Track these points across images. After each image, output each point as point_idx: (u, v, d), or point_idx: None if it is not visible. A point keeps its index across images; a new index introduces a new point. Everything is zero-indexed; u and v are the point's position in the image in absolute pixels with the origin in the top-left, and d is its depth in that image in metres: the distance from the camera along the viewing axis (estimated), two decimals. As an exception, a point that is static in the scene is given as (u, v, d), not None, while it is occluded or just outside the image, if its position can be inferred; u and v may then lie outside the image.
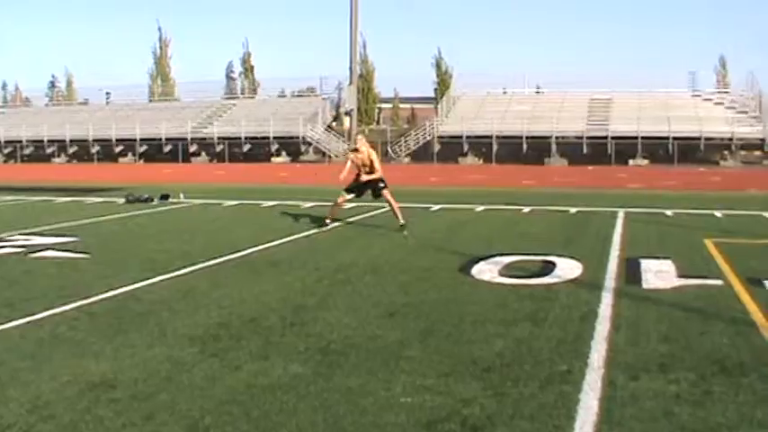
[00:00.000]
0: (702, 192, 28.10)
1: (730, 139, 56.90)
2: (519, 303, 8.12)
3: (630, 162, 55.39)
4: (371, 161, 14.78)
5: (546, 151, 57.44)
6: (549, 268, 10.32)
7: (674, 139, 55.40)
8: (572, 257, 11.21)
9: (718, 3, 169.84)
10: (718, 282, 9.50)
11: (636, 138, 56.02)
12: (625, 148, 55.99)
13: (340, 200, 15.10)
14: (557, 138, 57.75)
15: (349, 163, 14.90)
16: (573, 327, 7.15)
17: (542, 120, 59.04)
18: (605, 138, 56.65)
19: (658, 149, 56.61)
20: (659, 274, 10.00)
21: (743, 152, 58.95)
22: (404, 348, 6.38)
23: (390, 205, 14.85)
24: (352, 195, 15.14)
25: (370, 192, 15.08)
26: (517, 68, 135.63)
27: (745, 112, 60.19)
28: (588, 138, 57.46)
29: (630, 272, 10.22)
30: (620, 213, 17.81)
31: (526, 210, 18.57)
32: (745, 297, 8.59)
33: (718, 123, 57.50)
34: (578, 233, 14.27)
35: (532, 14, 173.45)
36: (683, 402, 5.16)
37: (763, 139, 56.52)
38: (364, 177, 14.78)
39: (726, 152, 58.47)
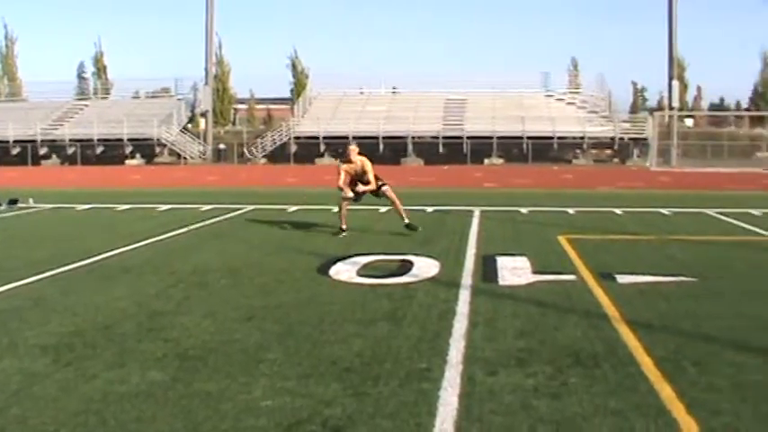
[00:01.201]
0: (556, 189, 28.83)
1: (582, 138, 58.63)
2: (377, 303, 8.16)
3: (486, 161, 56.48)
4: (365, 171, 14.30)
5: (402, 151, 58.01)
6: (406, 267, 10.41)
7: (528, 138, 56.78)
8: (429, 256, 11.33)
9: (571, 5, 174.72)
10: (572, 277, 9.76)
11: (491, 137, 57.14)
12: (480, 148, 57.01)
13: (344, 204, 14.41)
14: (413, 137, 58.38)
15: (343, 174, 14.31)
16: (431, 325, 7.22)
17: (398, 120, 59.60)
18: (461, 137, 57.59)
19: (513, 149, 57.91)
20: (515, 270, 10.20)
21: (594, 151, 60.91)
22: (263, 351, 6.34)
23: (393, 204, 14.46)
24: (354, 199, 14.53)
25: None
26: (373, 69, 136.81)
27: (596, 112, 62.16)
28: (444, 137, 58.28)
29: (487, 269, 10.39)
30: (476, 212, 18.10)
31: (383, 210, 18.65)
32: (597, 291, 8.86)
33: (571, 123, 59.17)
34: (435, 232, 14.41)
35: (388, 14, 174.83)
36: (541, 395, 5.28)
37: (613, 138, 58.43)
38: (360, 188, 14.31)
39: (578, 151, 60.30)
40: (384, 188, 14.37)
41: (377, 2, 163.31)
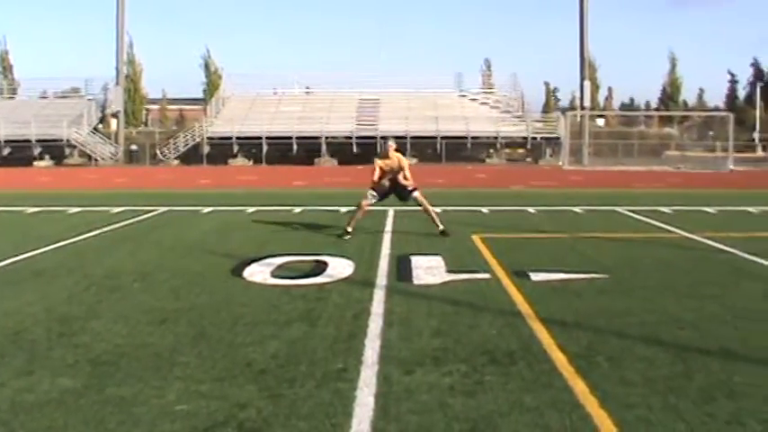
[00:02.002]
0: (469, 189, 29.05)
1: (495, 138, 59.27)
2: (292, 304, 8.12)
3: (399, 161, 56.55)
4: (401, 168, 14.12)
5: (316, 151, 57.94)
6: (321, 268, 10.37)
7: (442, 138, 57.18)
8: (343, 256, 11.32)
9: (484, 6, 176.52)
10: (486, 275, 9.83)
11: (404, 137, 57.26)
12: (394, 148, 57.11)
13: (365, 204, 14.25)
14: (326, 138, 58.31)
15: (378, 170, 14.15)
16: (346, 325, 7.21)
17: (312, 120, 59.51)
18: (374, 137, 57.61)
19: (427, 148, 58.23)
20: (429, 270, 10.24)
21: (507, 150, 61.64)
22: (177, 354, 6.25)
23: (425, 210, 14.27)
24: (376, 200, 14.35)
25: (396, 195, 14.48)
26: (287, 69, 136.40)
27: (509, 112, 62.97)
28: (358, 137, 58.33)
29: (401, 269, 10.42)
30: (390, 212, 18.13)
31: (297, 210, 18.60)
32: (511, 289, 8.94)
33: (484, 123, 59.78)
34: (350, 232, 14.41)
35: (301, 15, 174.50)
36: (457, 393, 5.30)
37: (525, 138, 59.17)
38: (404, 182, 14.14)
39: (491, 150, 60.91)
40: (415, 194, 14.27)
41: (290, 2, 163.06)
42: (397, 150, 14.32)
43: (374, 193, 14.17)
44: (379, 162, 14.26)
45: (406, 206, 19.01)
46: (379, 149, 56.30)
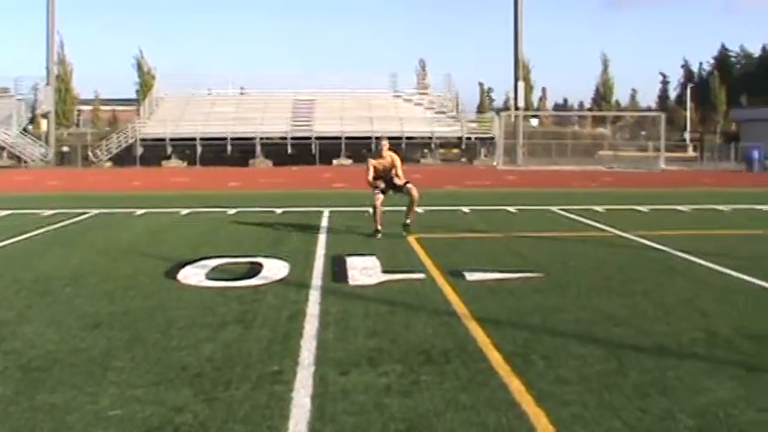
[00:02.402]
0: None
1: (430, 138, 59.46)
2: (227, 306, 8.05)
3: (334, 161, 56.60)
4: (394, 167, 14.04)
5: (251, 152, 57.60)
6: (255, 270, 10.31)
7: (377, 138, 57.02)
8: (278, 258, 11.26)
9: (419, 6, 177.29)
10: (421, 275, 9.86)
11: (339, 138, 57.27)
12: (329, 148, 57.15)
13: (377, 203, 13.97)
14: (261, 139, 58.01)
15: (371, 170, 14.04)
16: (282, 327, 7.17)
17: (247, 121, 59.17)
18: (309, 138, 57.56)
19: (361, 149, 58.12)
20: (364, 270, 10.24)
21: (442, 150, 61.90)
22: (110, 359, 6.15)
23: (410, 202, 14.11)
24: (383, 194, 14.08)
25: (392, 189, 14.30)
26: (221, 69, 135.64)
27: (444, 113, 63.26)
28: (293, 138, 58.16)
29: (336, 269, 10.40)
30: (326, 212, 18.11)
31: (232, 212, 18.48)
32: (446, 289, 8.98)
33: (419, 123, 59.98)
34: (284, 233, 14.37)
35: (235, 15, 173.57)
36: (393, 393, 5.30)
37: (460, 138, 59.50)
38: (397, 182, 14.06)
39: (426, 150, 61.11)
40: (409, 185, 14.13)
41: (223, 3, 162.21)
42: (390, 149, 14.31)
43: (378, 192, 14.05)
44: (372, 161, 14.24)
45: (341, 206, 19.02)
46: (313, 150, 56.37)
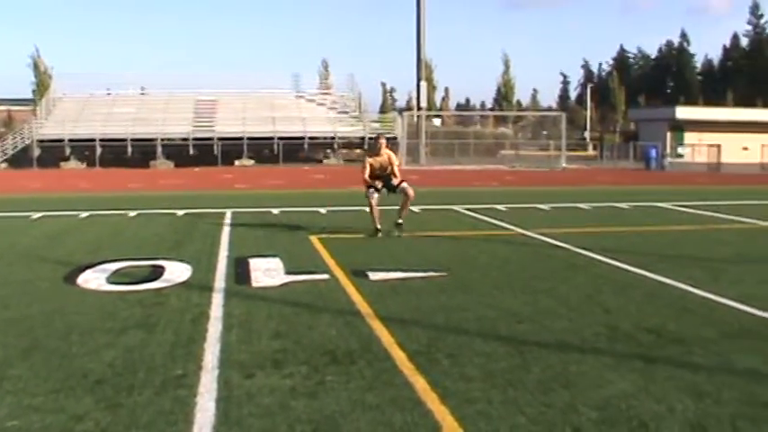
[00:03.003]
0: (307, 190, 29.04)
1: (333, 138, 59.48)
2: (128, 311, 7.91)
3: (237, 162, 56.24)
4: (390, 164, 13.89)
5: (152, 153, 56.85)
6: (157, 272, 10.15)
7: (280, 138, 56.94)
8: (181, 260, 11.12)
9: (322, 6, 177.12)
10: (325, 276, 9.84)
11: (242, 138, 56.92)
12: (231, 149, 56.77)
13: (373, 202, 13.83)
14: (162, 139, 57.31)
15: (368, 168, 13.88)
16: (185, 330, 7.08)
17: (147, 121, 58.40)
18: (211, 138, 57.06)
19: (264, 149, 57.95)
20: (268, 271, 10.18)
21: (344, 150, 61.97)
22: (7, 368, 5.97)
23: (405, 202, 14.01)
24: (378, 194, 13.96)
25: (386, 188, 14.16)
26: (121, 69, 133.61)
27: (347, 113, 63.36)
28: (194, 139, 57.60)
29: (239, 271, 10.32)
30: (228, 214, 17.95)
31: (132, 214, 18.19)
32: (350, 289, 8.98)
33: (321, 123, 59.98)
34: (186, 236, 14.19)
35: (135, 15, 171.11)
36: (299, 395, 5.27)
37: (363, 138, 59.60)
38: (393, 181, 13.96)
39: (329, 151, 61.11)
40: (404, 185, 14.05)
41: (122, 2, 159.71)
42: (387, 147, 14.26)
43: (374, 192, 13.99)
44: (369, 159, 14.17)
45: (244, 208, 18.89)
46: (215, 151, 55.88)
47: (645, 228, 16.01)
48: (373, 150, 14.41)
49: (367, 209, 14.19)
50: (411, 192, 14.09)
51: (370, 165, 14.07)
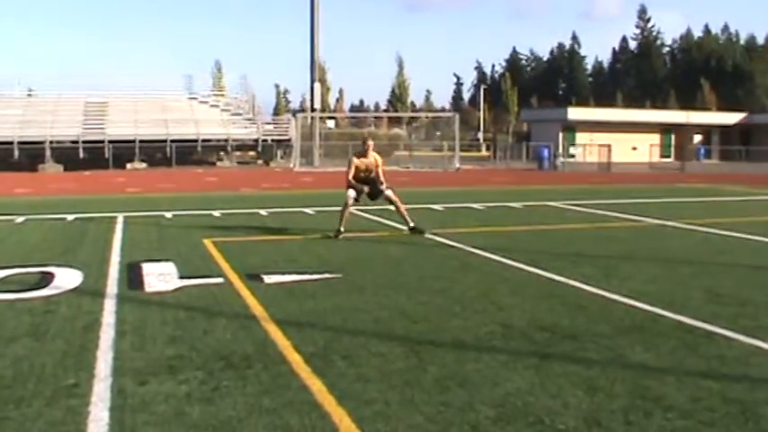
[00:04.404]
0: (201, 193, 28.74)
1: (226, 141, 58.95)
2: (17, 319, 7.71)
3: (129, 165, 55.28)
4: (377, 165, 13.84)
5: (40, 157, 55.48)
6: (47, 279, 9.93)
7: (172, 141, 56.22)
8: (71, 266, 10.89)
9: (214, 6, 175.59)
10: (219, 280, 9.78)
11: (133, 141, 56.04)
12: (123, 152, 55.78)
13: (349, 203, 13.84)
14: (51, 142, 56.02)
15: (353, 169, 13.78)
16: (77, 338, 6.94)
17: (35, 124, 56.97)
18: (102, 141, 56.02)
19: (156, 152, 57.14)
20: (161, 276, 10.06)
21: (238, 153, 61.53)
22: None
23: (396, 208, 13.91)
24: (356, 199, 13.95)
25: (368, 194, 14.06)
26: (7, 69, 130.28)
27: (240, 114, 62.89)
28: (84, 142, 56.41)
29: (132, 277, 10.17)
30: (120, 218, 17.66)
31: (20, 219, 17.75)
32: (245, 292, 8.94)
33: (215, 125, 59.39)
34: (77, 241, 13.90)
35: (22, 12, 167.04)
36: (194, 401, 5.23)
37: (257, 140, 59.26)
38: (380, 187, 13.87)
39: (222, 153, 60.58)
40: (387, 192, 14.04)
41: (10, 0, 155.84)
42: (373, 150, 14.29)
43: (354, 193, 14.00)
44: (355, 161, 14.16)
45: (136, 211, 18.62)
46: (107, 154, 54.90)
47: (537, 227, 16.29)
48: (361, 152, 14.45)
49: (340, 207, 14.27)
50: (394, 196, 14.31)
51: (356, 166, 14.23)
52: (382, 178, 14.41)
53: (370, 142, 14.62)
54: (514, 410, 5.04)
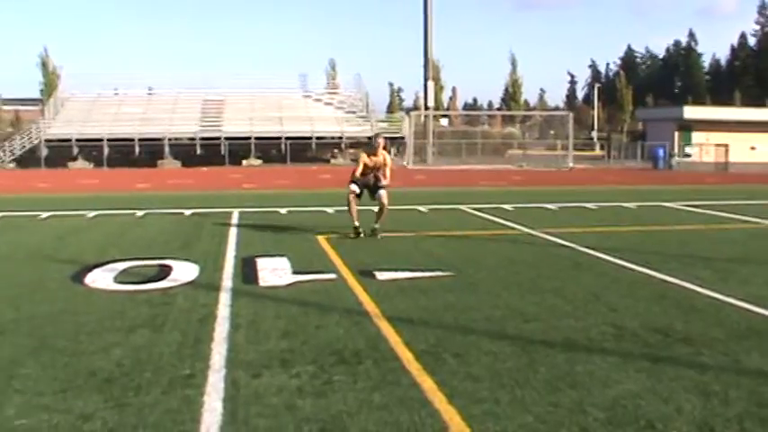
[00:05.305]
0: (314, 190, 29.03)
1: (340, 138, 59.46)
2: (136, 310, 7.92)
3: (244, 162, 56.25)
4: (385, 165, 13.83)
5: (159, 153, 56.91)
6: (165, 272, 10.16)
7: (287, 138, 56.93)
8: (188, 260, 11.13)
9: (329, 6, 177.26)
10: (332, 276, 9.84)
11: (249, 138, 56.92)
12: (239, 149, 56.77)
13: (351, 197, 13.79)
14: (170, 139, 57.35)
15: (361, 166, 13.80)
16: (192, 329, 7.09)
17: (155, 121, 58.45)
18: (219, 138, 57.06)
19: (271, 149, 57.94)
20: (275, 271, 10.19)
21: (351, 150, 61.94)
22: (16, 367, 5.99)
23: (380, 208, 13.85)
24: (358, 195, 13.88)
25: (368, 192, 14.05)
26: (129, 69, 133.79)
27: (354, 112, 63.37)
28: (202, 139, 57.62)
29: (247, 271, 10.32)
30: (236, 213, 17.97)
31: (140, 214, 18.21)
32: (357, 289, 8.98)
33: (329, 123, 59.97)
34: (194, 235, 14.20)
35: (143, 14, 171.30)
36: (306, 395, 5.28)
37: (370, 138, 59.47)
38: (382, 182, 13.84)
39: (336, 150, 61.09)
40: (381, 192, 13.93)
41: (130, 2, 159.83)
42: (384, 148, 14.16)
43: (356, 187, 13.89)
44: (364, 158, 14.03)
45: (252, 207, 18.90)
46: (223, 151, 55.90)
47: (651, 227, 15.99)
48: (371, 149, 14.29)
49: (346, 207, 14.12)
50: (385, 200, 13.96)
51: (364, 163, 13.99)
52: (388, 178, 14.10)
53: (380, 141, 14.30)
54: (625, 414, 4.95)
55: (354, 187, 13.89)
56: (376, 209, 13.90)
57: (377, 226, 13.93)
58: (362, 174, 13.95)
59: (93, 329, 7.16)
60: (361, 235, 13.62)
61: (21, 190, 30.52)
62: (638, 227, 16.05)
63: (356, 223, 13.73)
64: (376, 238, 13.58)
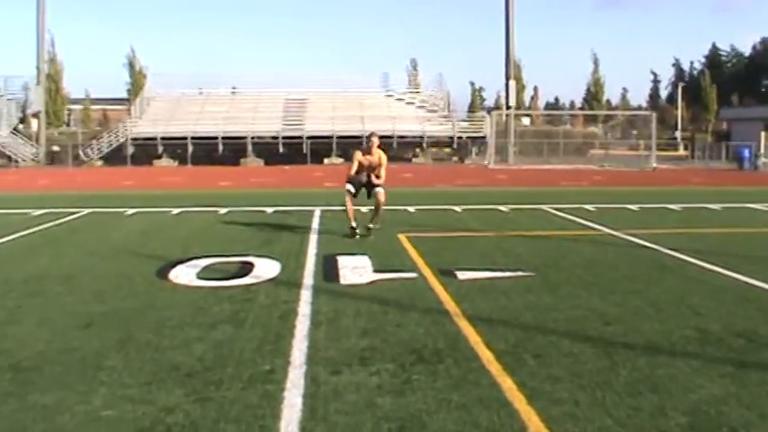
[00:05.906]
0: (396, 188, 29.05)
1: (421, 137, 59.45)
2: (218, 306, 8.03)
3: (326, 161, 56.54)
4: (380, 165, 13.89)
5: (242, 152, 57.51)
6: (247, 269, 10.29)
7: (368, 135, 56.99)
8: (270, 257, 11.24)
9: (410, 5, 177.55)
10: (413, 275, 9.85)
11: (330, 137, 57.21)
12: (320, 147, 57.08)
13: (347, 198, 13.90)
14: (252, 138, 57.93)
15: (356, 164, 13.90)
16: (273, 326, 7.16)
17: (238, 120, 59.10)
18: (301, 137, 57.46)
19: (352, 148, 57.99)
20: (356, 269, 10.23)
21: (433, 149, 61.96)
22: (102, 359, 6.13)
23: (376, 207, 13.95)
24: (354, 194, 13.96)
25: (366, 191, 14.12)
26: (212, 68, 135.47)
27: (435, 112, 63.32)
28: (284, 137, 58.08)
29: (328, 269, 10.38)
30: (317, 212, 18.10)
31: (223, 211, 18.44)
32: (438, 288, 8.98)
33: (410, 122, 59.95)
34: (276, 233, 14.33)
35: (227, 14, 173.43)
36: (385, 393, 5.30)
37: (452, 137, 59.48)
38: (375, 181, 13.89)
39: (417, 149, 61.10)
40: (378, 189, 13.93)
41: (214, 2, 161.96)
42: (379, 147, 14.12)
43: (351, 187, 13.92)
44: (359, 157, 14.03)
45: (333, 206, 18.99)
46: (305, 149, 56.31)
47: (736, 229, 15.68)
48: (365, 148, 14.19)
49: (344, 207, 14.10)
50: (382, 198, 13.89)
51: (359, 162, 13.94)
52: (383, 178, 13.98)
53: (374, 139, 14.15)
54: (707, 419, 4.87)
55: (350, 187, 13.89)
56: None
57: (371, 225, 13.94)
58: (357, 172, 13.92)
59: (176, 324, 7.28)
60: (357, 236, 13.56)
61: (107, 187, 31.13)
62: (723, 228, 15.75)
63: (353, 224, 13.74)
64: (369, 238, 13.57)
